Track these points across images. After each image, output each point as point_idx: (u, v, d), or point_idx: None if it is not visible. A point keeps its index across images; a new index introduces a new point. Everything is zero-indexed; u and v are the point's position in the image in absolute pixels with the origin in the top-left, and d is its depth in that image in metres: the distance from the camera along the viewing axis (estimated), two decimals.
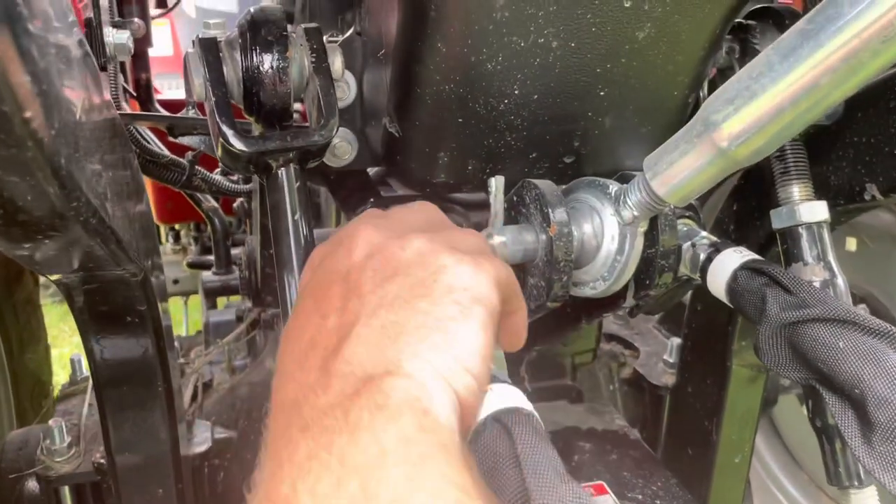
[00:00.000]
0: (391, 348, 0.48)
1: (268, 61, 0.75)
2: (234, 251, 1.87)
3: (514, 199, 0.81)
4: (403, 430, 0.42)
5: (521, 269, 0.80)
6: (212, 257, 2.00)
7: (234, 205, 1.81)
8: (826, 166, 1.01)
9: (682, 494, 1.08)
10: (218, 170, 1.46)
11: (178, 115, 1.15)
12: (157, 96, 1.65)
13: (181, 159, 1.28)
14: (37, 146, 0.45)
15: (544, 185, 0.77)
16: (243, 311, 1.58)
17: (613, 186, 0.77)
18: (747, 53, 0.93)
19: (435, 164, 0.85)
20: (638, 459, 1.16)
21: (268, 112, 0.78)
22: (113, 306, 0.89)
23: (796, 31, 0.59)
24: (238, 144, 0.75)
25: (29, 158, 0.45)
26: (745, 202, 1.20)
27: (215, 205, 1.82)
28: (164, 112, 1.42)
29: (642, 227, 0.76)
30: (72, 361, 1.42)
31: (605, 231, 0.77)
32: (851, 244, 1.73)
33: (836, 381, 0.70)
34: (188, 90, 0.77)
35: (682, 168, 0.68)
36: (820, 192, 0.97)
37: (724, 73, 0.96)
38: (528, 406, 0.57)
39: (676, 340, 1.52)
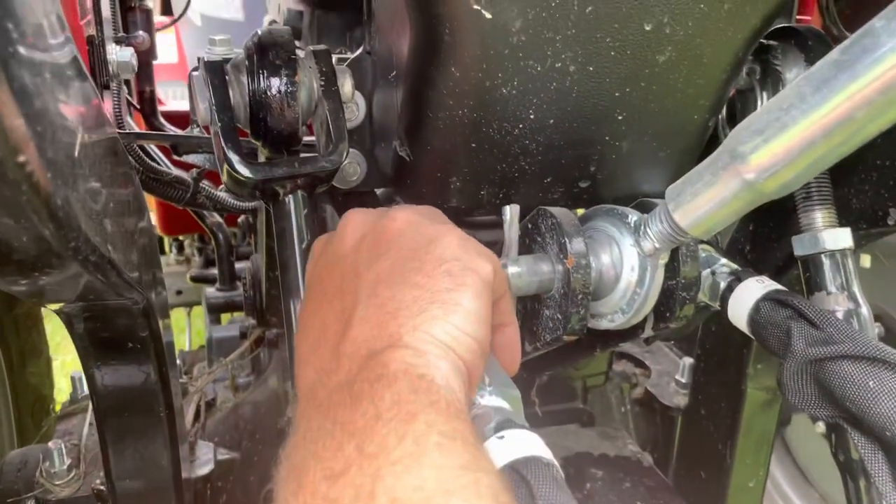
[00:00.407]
0: (392, 324, 0.51)
1: (276, 85, 0.72)
2: (239, 265, 1.85)
3: (529, 226, 0.78)
4: (398, 393, 0.45)
5: (537, 300, 0.77)
6: (215, 271, 1.98)
7: (239, 219, 1.79)
8: (848, 189, 0.98)
9: None
10: (222, 186, 1.44)
11: (183, 133, 1.13)
12: (162, 108, 1.62)
13: (185, 176, 1.26)
14: (32, 189, 0.42)
15: (561, 213, 0.74)
16: (247, 327, 1.55)
17: (633, 216, 0.74)
18: (768, 74, 0.90)
19: (447, 188, 0.83)
20: (652, 489, 1.13)
21: (275, 137, 0.75)
22: (114, 333, 0.87)
23: (830, 61, 0.56)
24: (244, 171, 0.72)
25: (24, 202, 0.42)
26: (763, 224, 1.17)
27: (220, 220, 1.80)
28: (167, 125, 1.39)
29: (663, 259, 0.73)
30: (72, 379, 1.39)
31: (624, 262, 0.74)
32: (866, 261, 1.70)
33: (866, 422, 0.68)
34: (192, 110, 0.74)
35: (707, 200, 0.65)
36: (841, 216, 0.94)
37: (744, 95, 0.93)
38: (546, 454, 0.54)
39: (689, 360, 1.49)
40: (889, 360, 0.67)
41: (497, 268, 0.59)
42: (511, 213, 0.74)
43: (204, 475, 1.24)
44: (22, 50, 0.40)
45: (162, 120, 1.52)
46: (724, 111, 0.95)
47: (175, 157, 1.14)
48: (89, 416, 1.34)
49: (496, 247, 0.91)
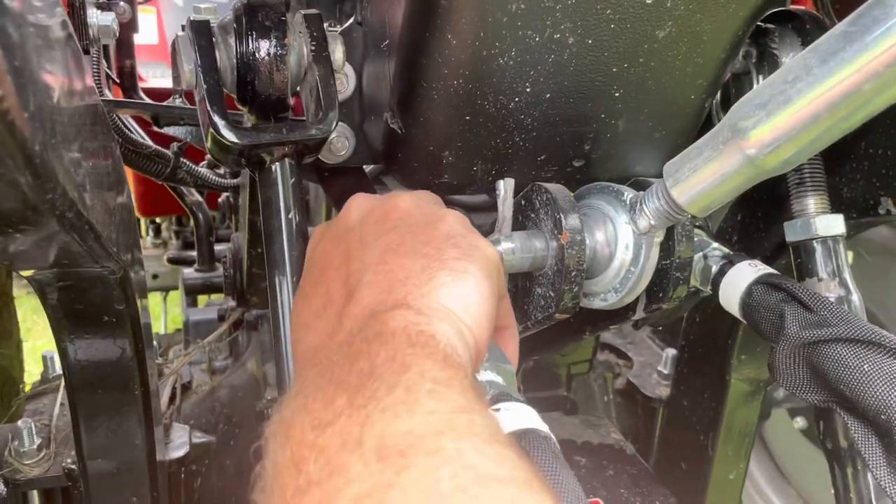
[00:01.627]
0: (400, 289, 0.51)
1: (265, 48, 0.70)
2: (218, 247, 1.81)
3: (522, 202, 0.76)
4: (394, 348, 0.44)
5: (528, 278, 0.75)
6: (193, 253, 1.94)
7: (220, 199, 1.75)
8: (839, 177, 0.97)
9: None
10: (204, 162, 1.41)
11: (165, 103, 1.10)
12: (142, 84, 1.58)
13: (166, 150, 1.22)
14: (7, 129, 0.40)
15: (555, 189, 0.73)
16: (225, 310, 1.52)
17: (629, 193, 0.73)
18: (765, 58, 0.89)
19: (439, 163, 0.81)
20: (635, 476, 1.12)
21: (263, 102, 0.73)
22: (89, 305, 0.84)
23: (838, 33, 0.55)
24: (230, 136, 0.70)
25: (17, 166, 0.40)
26: (752, 212, 1.16)
27: (199, 199, 1.76)
28: (148, 101, 1.36)
29: (658, 238, 0.72)
30: (44, 358, 1.35)
31: (618, 240, 0.73)
32: (849, 257, 1.70)
33: (860, 406, 0.67)
34: (176, 77, 0.72)
35: (706, 176, 0.64)
36: (832, 204, 0.93)
37: (739, 79, 0.92)
38: (543, 427, 0.53)
39: (671, 351, 1.48)
40: (885, 344, 0.66)
41: (499, 261, 0.60)
42: (505, 187, 0.72)
43: (179, 458, 1.21)
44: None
45: (142, 95, 1.48)
46: (718, 95, 0.94)
47: (155, 130, 1.11)
48: (60, 395, 1.30)
49: (484, 228, 0.90)
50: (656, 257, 0.73)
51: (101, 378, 0.93)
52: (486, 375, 0.57)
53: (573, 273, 0.70)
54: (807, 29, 0.88)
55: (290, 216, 0.74)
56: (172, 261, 1.95)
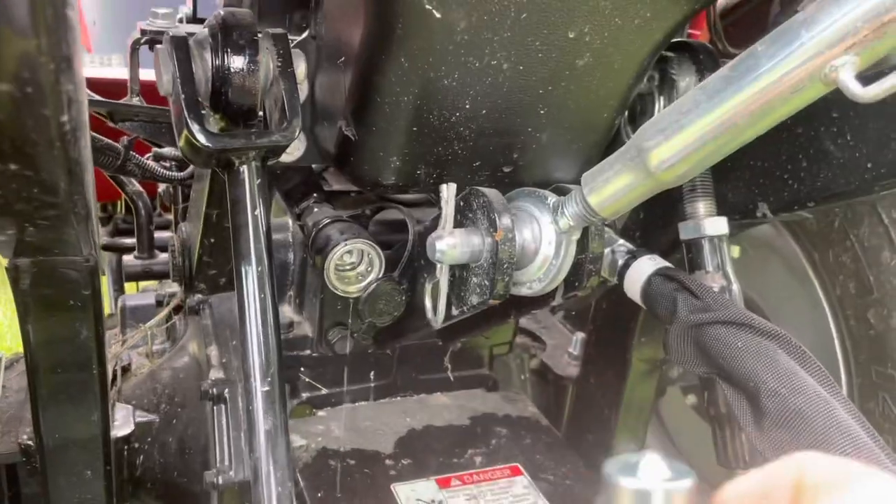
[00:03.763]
0: None
1: (238, 63, 0.79)
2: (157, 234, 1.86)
3: (461, 203, 0.88)
4: None
5: (465, 269, 0.87)
6: (126, 240, 1.96)
7: (160, 190, 1.79)
8: (725, 184, 1.13)
9: (589, 476, 1.19)
10: (149, 155, 1.46)
11: (122, 101, 1.15)
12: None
13: (116, 144, 1.27)
14: (52, 121, 0.47)
15: (491, 193, 0.84)
16: (164, 296, 1.57)
17: (552, 198, 0.85)
18: (665, 81, 1.04)
19: (387, 166, 0.91)
20: (549, 444, 1.26)
21: (234, 111, 0.81)
22: (59, 290, 0.90)
23: (720, 76, 0.69)
24: (204, 140, 0.78)
25: (54, 157, 0.48)
26: (651, 212, 1.32)
27: (140, 188, 1.79)
28: (93, 95, 1.39)
29: (575, 236, 0.85)
30: None
31: (542, 237, 0.85)
32: (735, 251, 1.90)
33: (734, 376, 0.82)
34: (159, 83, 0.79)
35: (616, 186, 0.77)
36: (718, 208, 1.09)
37: (644, 98, 1.07)
38: None
39: (580, 335, 1.64)
40: (754, 325, 0.82)
41: None
42: (448, 191, 0.84)
43: (123, 436, 1.27)
44: None
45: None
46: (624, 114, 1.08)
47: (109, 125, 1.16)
48: (1, 378, 1.34)
49: (424, 221, 1.01)
50: (574, 252, 0.86)
51: (62, 359, 0.99)
52: None
53: (505, 265, 0.82)
54: (700, 58, 1.03)
55: (255, 213, 0.83)
56: (107, 248, 1.96)
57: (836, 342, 1.68)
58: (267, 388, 0.77)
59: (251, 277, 0.83)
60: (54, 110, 0.44)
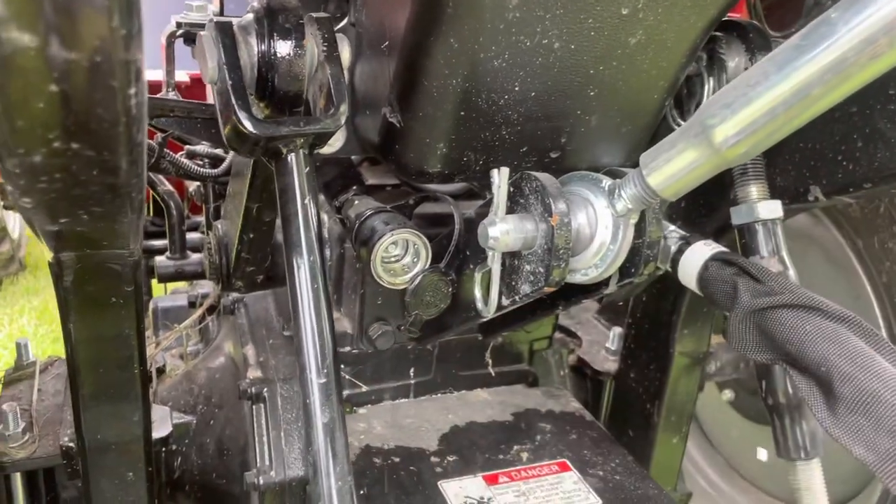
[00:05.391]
0: None
1: (285, 48, 0.77)
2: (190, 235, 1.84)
3: (512, 189, 0.85)
4: None
5: (517, 256, 0.84)
6: (157, 242, 1.95)
7: (191, 189, 1.77)
8: (773, 168, 1.10)
9: (639, 470, 1.16)
10: (182, 153, 1.44)
11: (158, 96, 1.13)
12: None
13: (150, 141, 1.26)
14: (123, 113, 0.46)
15: (544, 177, 0.82)
16: (196, 296, 1.56)
17: (606, 181, 0.83)
18: (714, 62, 1.01)
19: (433, 154, 0.89)
20: (596, 439, 1.23)
21: (281, 97, 0.79)
22: (101, 287, 0.88)
23: (791, 45, 0.66)
24: (252, 128, 0.76)
25: (119, 135, 0.46)
26: (694, 199, 1.29)
27: (171, 188, 1.78)
28: None
29: (633, 220, 0.82)
30: (18, 346, 1.36)
31: (598, 222, 0.82)
32: None
33: (803, 361, 0.79)
34: (203, 72, 0.77)
35: (678, 165, 0.74)
36: (769, 192, 1.06)
37: (691, 80, 1.04)
38: None
39: (618, 329, 1.61)
40: (823, 308, 0.78)
41: None
42: (500, 176, 0.81)
43: (161, 438, 1.25)
44: None
45: None
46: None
47: None
48: (37, 381, 1.32)
49: (467, 214, 0.98)
50: (631, 236, 0.83)
51: (104, 357, 0.97)
52: None
53: (561, 251, 0.80)
54: (750, 37, 1.00)
55: (305, 202, 0.81)
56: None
57: (883, 331, 1.64)
58: (323, 381, 0.75)
59: (303, 268, 0.80)
60: (123, 82, 0.42)
